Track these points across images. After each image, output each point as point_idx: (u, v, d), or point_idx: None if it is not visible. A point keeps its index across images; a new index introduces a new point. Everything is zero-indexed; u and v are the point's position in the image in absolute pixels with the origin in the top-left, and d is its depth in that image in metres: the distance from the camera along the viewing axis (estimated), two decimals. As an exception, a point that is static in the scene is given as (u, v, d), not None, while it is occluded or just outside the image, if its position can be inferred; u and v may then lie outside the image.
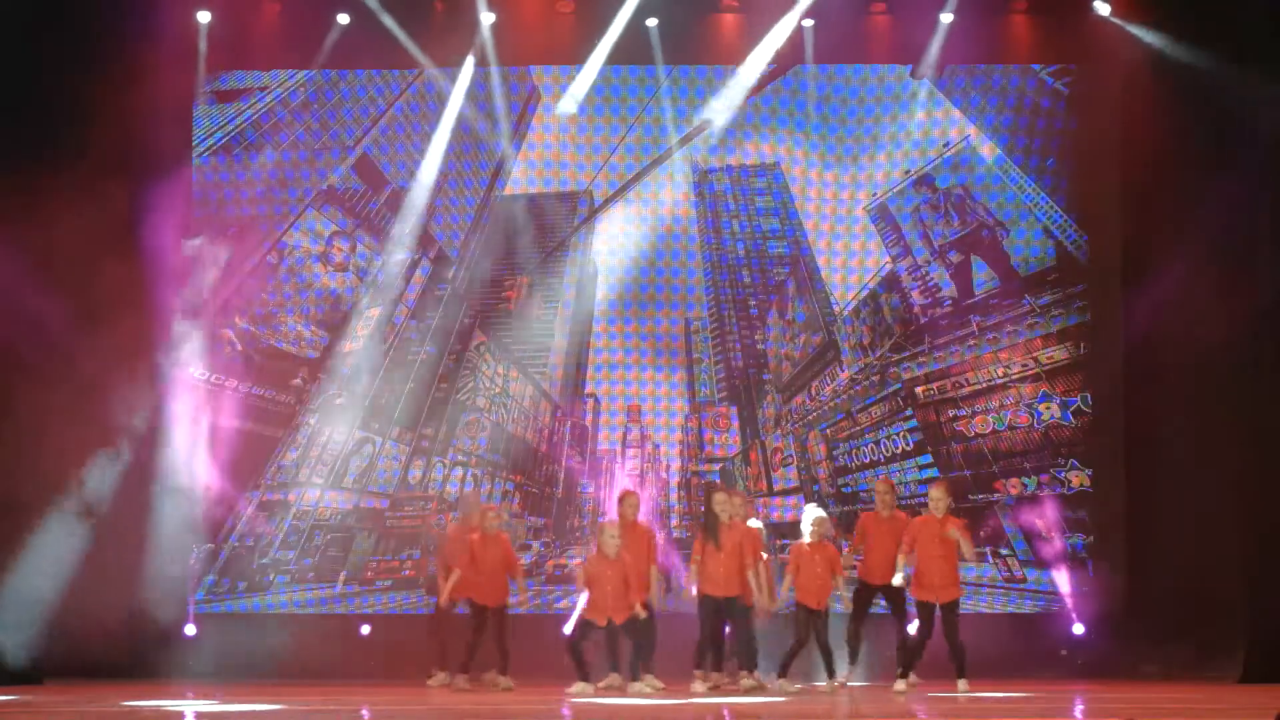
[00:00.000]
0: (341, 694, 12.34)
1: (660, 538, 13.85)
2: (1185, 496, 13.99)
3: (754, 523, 12.90)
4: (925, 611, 12.17)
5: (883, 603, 12.81)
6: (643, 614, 12.07)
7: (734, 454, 15.44)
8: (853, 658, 12.70)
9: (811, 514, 12.59)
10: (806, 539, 12.47)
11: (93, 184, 13.92)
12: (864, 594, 12.73)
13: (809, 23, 15.04)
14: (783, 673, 12.31)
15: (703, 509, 12.66)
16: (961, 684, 12.08)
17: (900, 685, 12.21)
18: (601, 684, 12.16)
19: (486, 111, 15.54)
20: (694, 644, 12.30)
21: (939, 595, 12.13)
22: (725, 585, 12.14)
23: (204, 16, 14.92)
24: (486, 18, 15.07)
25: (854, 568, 13.04)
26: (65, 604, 13.74)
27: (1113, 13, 14.71)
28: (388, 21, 14.98)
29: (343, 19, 15.04)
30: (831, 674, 12.40)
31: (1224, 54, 13.89)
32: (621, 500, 12.76)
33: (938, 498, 12.26)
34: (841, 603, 12.58)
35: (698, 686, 12.10)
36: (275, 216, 15.48)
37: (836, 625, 12.60)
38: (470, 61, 15.28)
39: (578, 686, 11.96)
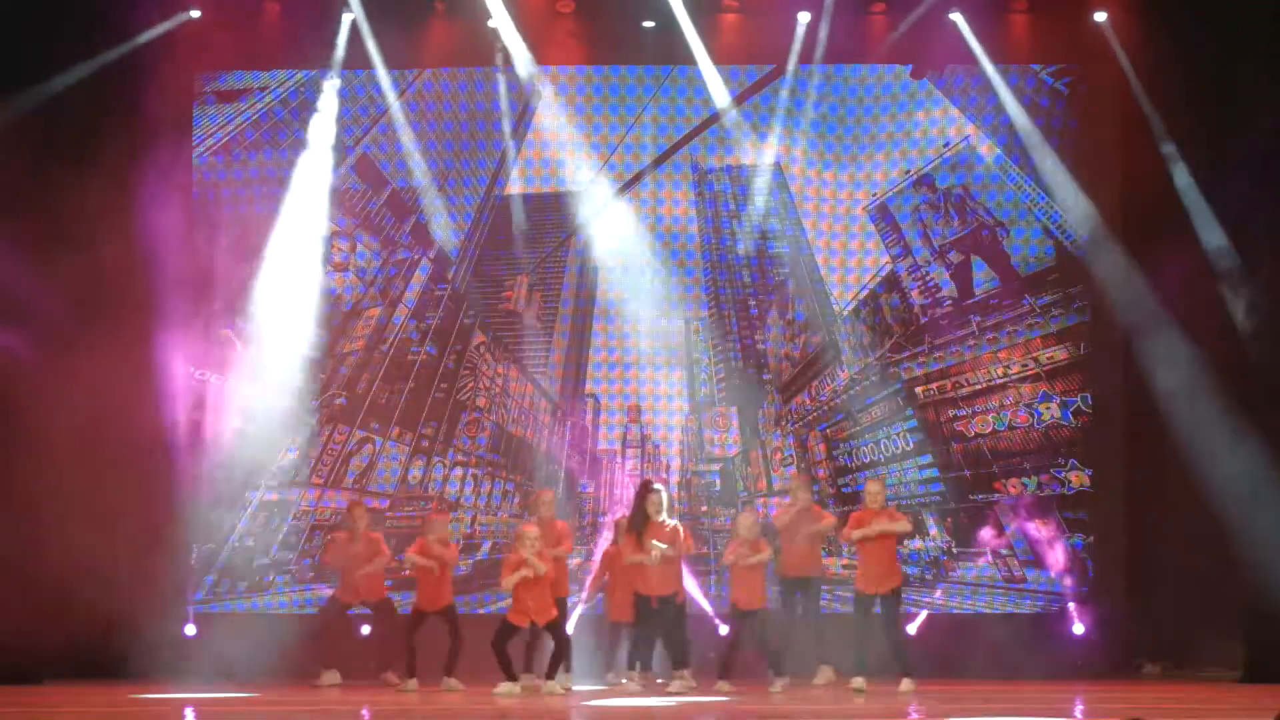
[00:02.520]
0: (341, 694, 12.34)
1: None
2: (1185, 496, 13.98)
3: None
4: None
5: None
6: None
7: (734, 454, 15.44)
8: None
9: (745, 517, 12.77)
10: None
11: (93, 183, 13.94)
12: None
13: (805, 17, 15.01)
14: (723, 674, 12.32)
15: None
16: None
17: (905, 685, 12.22)
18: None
19: (486, 111, 15.54)
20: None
21: (879, 586, 12.31)
22: (660, 585, 12.31)
23: (195, 13, 14.88)
24: (487, 18, 15.07)
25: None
26: (65, 604, 13.73)
27: (1110, 16, 14.72)
28: (388, 21, 14.98)
29: (347, 20, 15.03)
30: (778, 674, 12.45)
31: (1224, 54, 13.90)
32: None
33: (875, 491, 12.59)
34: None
35: (675, 685, 12.27)
36: (275, 216, 15.46)
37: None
38: (470, 61, 15.28)
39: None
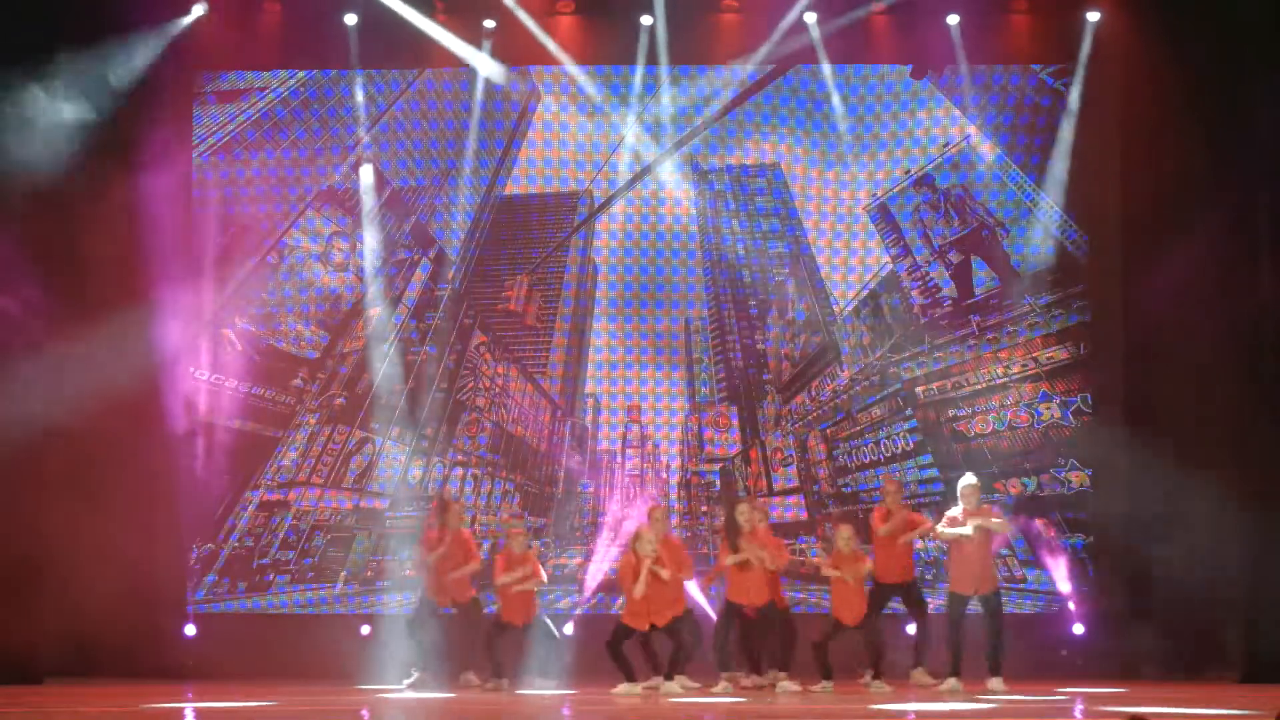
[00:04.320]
0: (341, 694, 12.34)
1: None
2: (1185, 497, 13.97)
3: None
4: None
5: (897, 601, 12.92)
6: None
7: (734, 454, 15.44)
8: (873, 661, 12.53)
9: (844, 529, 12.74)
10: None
11: (93, 183, 13.94)
12: (878, 594, 12.75)
13: (811, 18, 15.00)
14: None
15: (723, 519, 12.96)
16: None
17: (950, 684, 12.23)
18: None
19: (486, 111, 15.54)
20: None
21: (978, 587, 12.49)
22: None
23: (199, 9, 14.88)
24: (487, 18, 15.06)
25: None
26: (65, 604, 13.74)
27: (1110, 15, 14.72)
28: (388, 22, 14.97)
29: (350, 19, 15.03)
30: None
31: (1224, 54, 13.89)
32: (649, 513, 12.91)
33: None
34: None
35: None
36: (275, 216, 15.48)
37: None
38: (470, 61, 15.28)
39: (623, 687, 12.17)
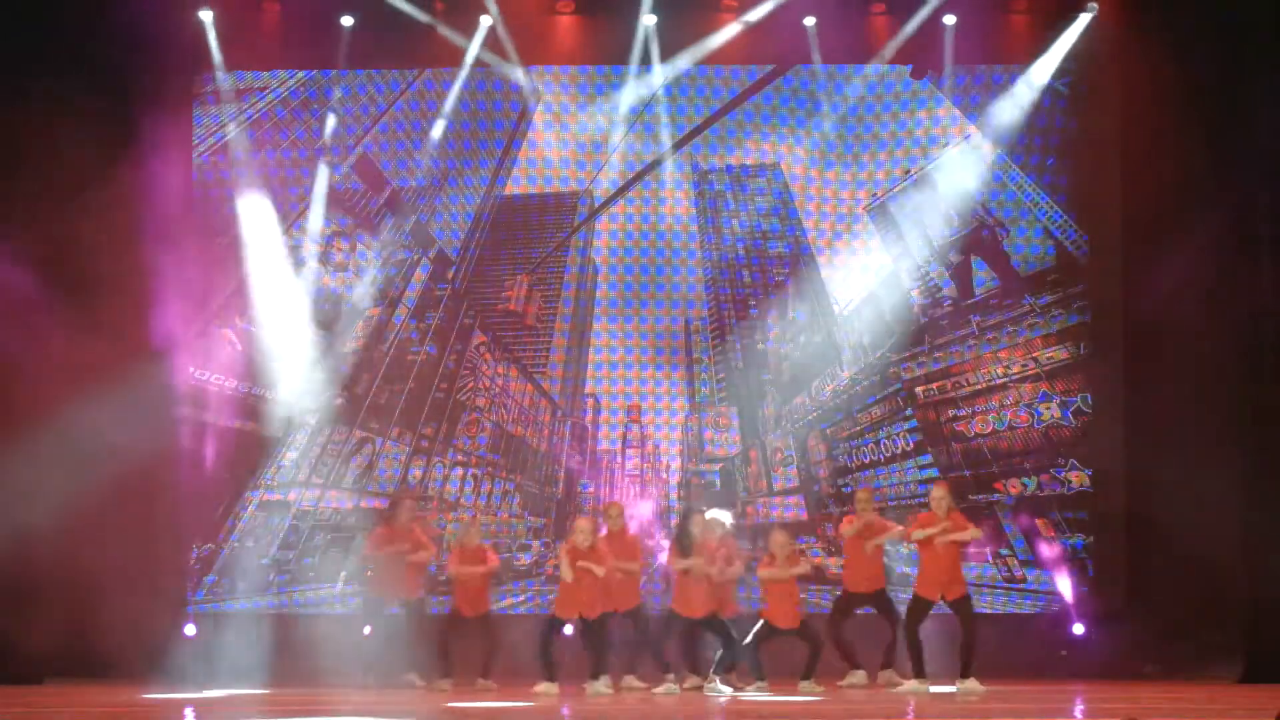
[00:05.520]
0: (341, 694, 12.33)
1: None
2: (1185, 496, 13.97)
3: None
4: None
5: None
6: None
7: (734, 454, 15.45)
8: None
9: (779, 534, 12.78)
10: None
11: (93, 183, 13.94)
12: (845, 601, 12.79)
13: (810, 21, 15.01)
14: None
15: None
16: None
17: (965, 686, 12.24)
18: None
19: (486, 111, 15.54)
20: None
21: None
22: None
23: (206, 15, 14.90)
24: (486, 18, 15.06)
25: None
26: (66, 603, 13.74)
27: (1103, 14, 14.72)
28: (388, 22, 14.98)
29: (346, 21, 15.03)
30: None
31: (1224, 54, 13.89)
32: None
33: (939, 497, 12.26)
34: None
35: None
36: (275, 216, 15.46)
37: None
38: (470, 62, 15.28)
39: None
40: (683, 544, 12.49)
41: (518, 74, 15.36)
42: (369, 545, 13.34)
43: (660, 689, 12.25)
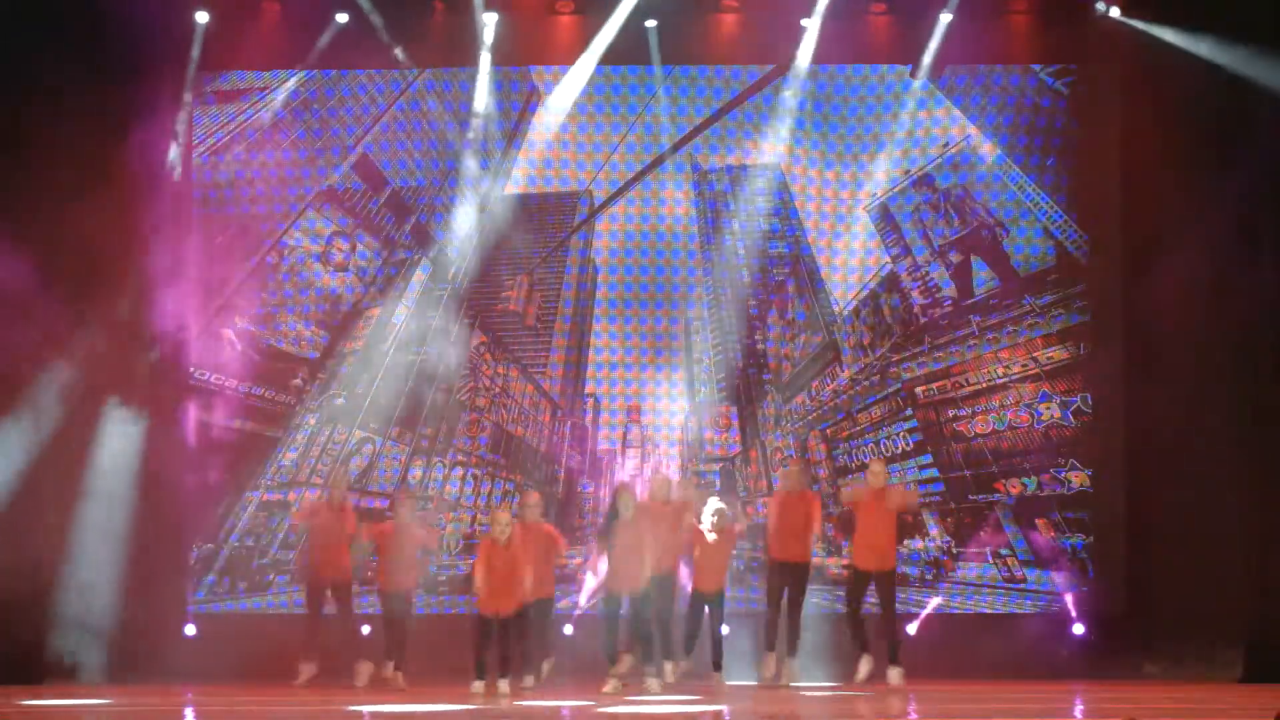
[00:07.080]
0: (341, 694, 12.34)
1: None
2: (1185, 496, 13.99)
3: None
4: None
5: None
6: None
7: (734, 454, 15.44)
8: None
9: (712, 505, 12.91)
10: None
11: (92, 183, 13.93)
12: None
13: (809, 22, 15.00)
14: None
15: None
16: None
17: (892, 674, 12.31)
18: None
19: (486, 111, 15.54)
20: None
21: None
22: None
23: (202, 17, 14.89)
24: (486, 18, 15.06)
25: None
26: (65, 604, 13.74)
27: (1106, 13, 14.69)
28: (387, 22, 14.98)
29: (341, 18, 15.02)
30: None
31: (1224, 53, 13.89)
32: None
33: (878, 471, 12.88)
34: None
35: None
36: (275, 216, 15.47)
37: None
38: (470, 62, 15.29)
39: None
40: (609, 523, 12.57)
41: (518, 74, 15.35)
42: (298, 517, 13.64)
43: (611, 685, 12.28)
